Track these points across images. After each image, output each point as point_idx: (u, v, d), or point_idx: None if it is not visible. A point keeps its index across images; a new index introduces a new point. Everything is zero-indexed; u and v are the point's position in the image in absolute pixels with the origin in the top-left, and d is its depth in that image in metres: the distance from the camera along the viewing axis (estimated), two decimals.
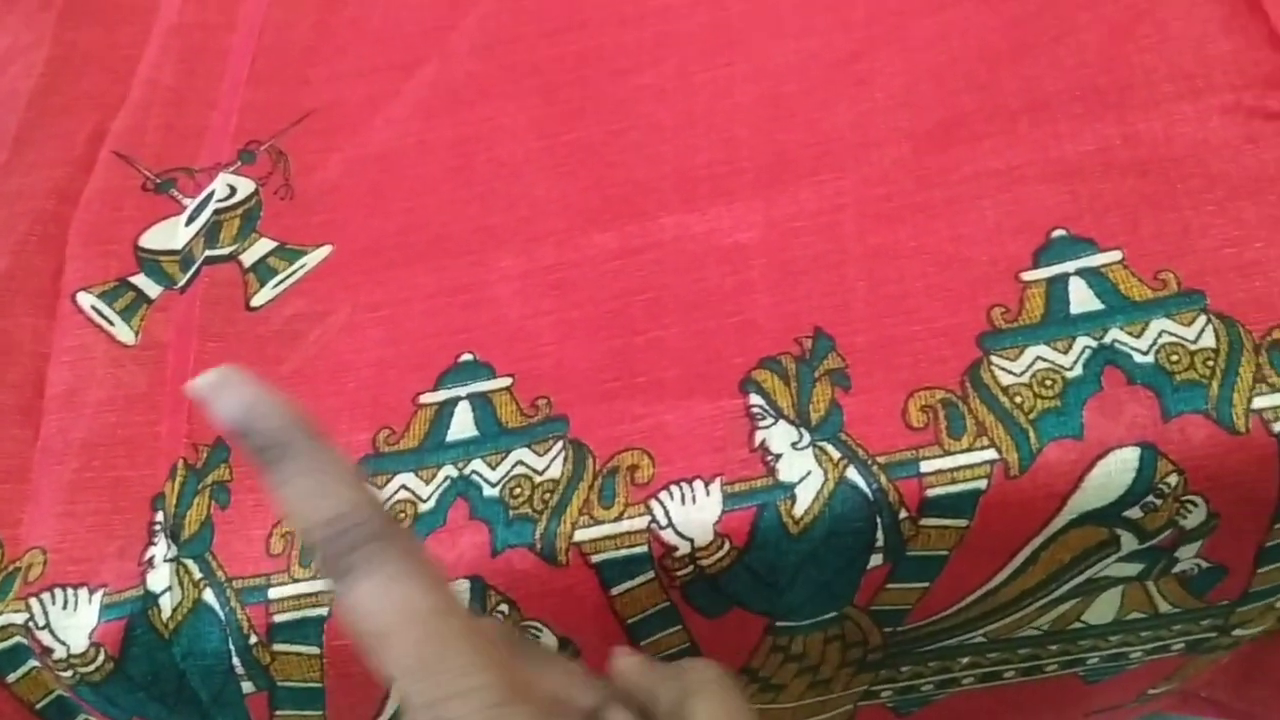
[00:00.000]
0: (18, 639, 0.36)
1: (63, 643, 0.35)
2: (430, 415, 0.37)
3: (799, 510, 0.33)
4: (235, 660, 0.35)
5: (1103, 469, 0.32)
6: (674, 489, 0.34)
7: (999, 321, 0.35)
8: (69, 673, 0.35)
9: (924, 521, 0.33)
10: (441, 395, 0.37)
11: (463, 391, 0.37)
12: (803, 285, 0.37)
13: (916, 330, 0.35)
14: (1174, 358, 0.33)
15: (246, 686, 0.35)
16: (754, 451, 0.34)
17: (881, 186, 0.39)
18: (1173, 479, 0.32)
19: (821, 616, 0.36)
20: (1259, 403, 0.32)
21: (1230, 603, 0.38)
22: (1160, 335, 0.33)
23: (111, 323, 0.41)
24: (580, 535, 0.33)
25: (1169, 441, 0.32)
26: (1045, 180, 0.37)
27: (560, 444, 0.35)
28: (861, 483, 0.33)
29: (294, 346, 0.40)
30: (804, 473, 0.33)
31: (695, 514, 0.33)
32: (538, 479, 0.35)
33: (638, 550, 0.33)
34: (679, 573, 0.34)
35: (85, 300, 0.42)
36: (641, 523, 0.33)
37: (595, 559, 0.33)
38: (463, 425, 0.36)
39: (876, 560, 0.34)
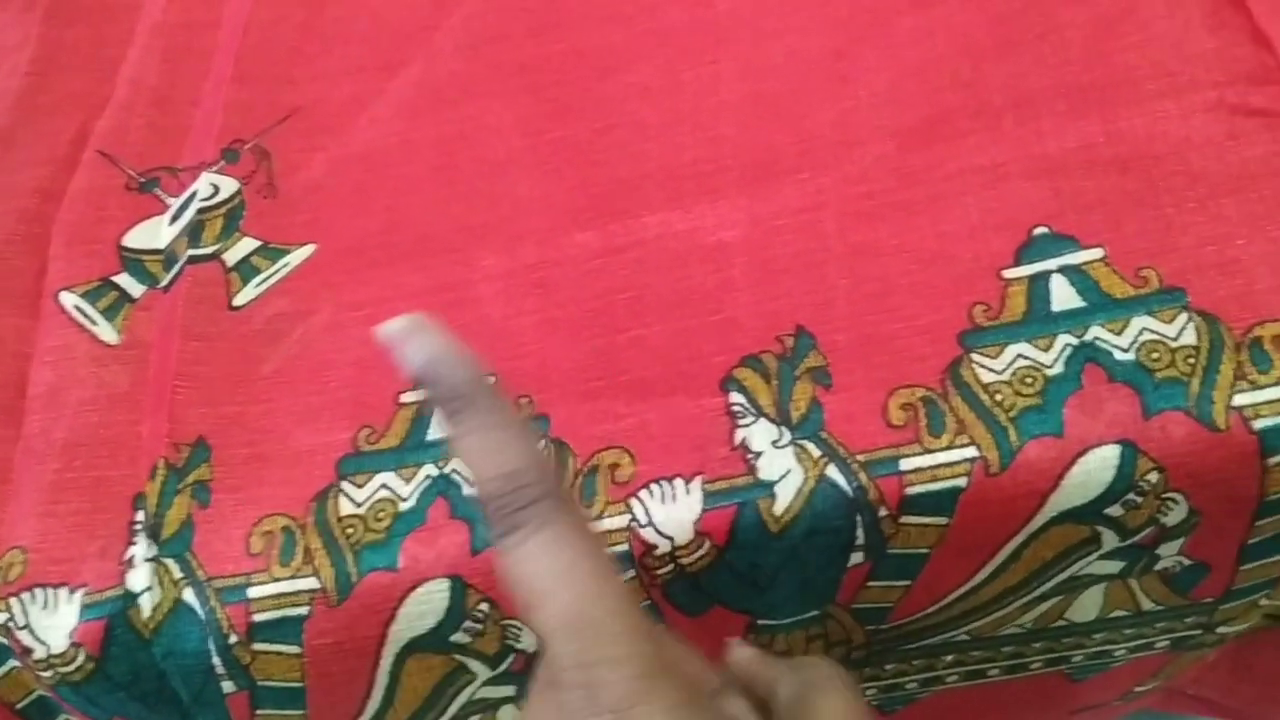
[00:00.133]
0: None
1: (43, 643, 0.35)
2: (411, 414, 0.37)
3: (779, 508, 0.33)
4: (215, 660, 0.35)
5: (1083, 467, 0.32)
6: (654, 487, 0.34)
7: (980, 319, 0.35)
8: (49, 673, 0.35)
9: (904, 519, 0.33)
10: (423, 394, 0.37)
11: None
12: (784, 283, 0.37)
13: (898, 328, 0.35)
14: (1154, 355, 0.33)
15: (227, 686, 0.35)
16: (734, 450, 0.34)
17: (864, 184, 0.38)
18: (1153, 476, 0.32)
19: (803, 615, 0.36)
20: (1239, 400, 0.32)
21: (1214, 600, 0.38)
22: (1141, 333, 0.33)
23: (94, 322, 0.41)
24: None
25: (1149, 439, 0.32)
26: (1028, 177, 0.37)
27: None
28: (842, 481, 0.33)
29: (276, 345, 0.40)
30: (784, 471, 0.33)
31: (675, 512, 0.33)
32: None
33: (618, 549, 0.33)
34: (659, 571, 0.34)
35: (68, 300, 0.42)
36: (621, 521, 0.33)
37: None
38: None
39: (857, 558, 0.34)
